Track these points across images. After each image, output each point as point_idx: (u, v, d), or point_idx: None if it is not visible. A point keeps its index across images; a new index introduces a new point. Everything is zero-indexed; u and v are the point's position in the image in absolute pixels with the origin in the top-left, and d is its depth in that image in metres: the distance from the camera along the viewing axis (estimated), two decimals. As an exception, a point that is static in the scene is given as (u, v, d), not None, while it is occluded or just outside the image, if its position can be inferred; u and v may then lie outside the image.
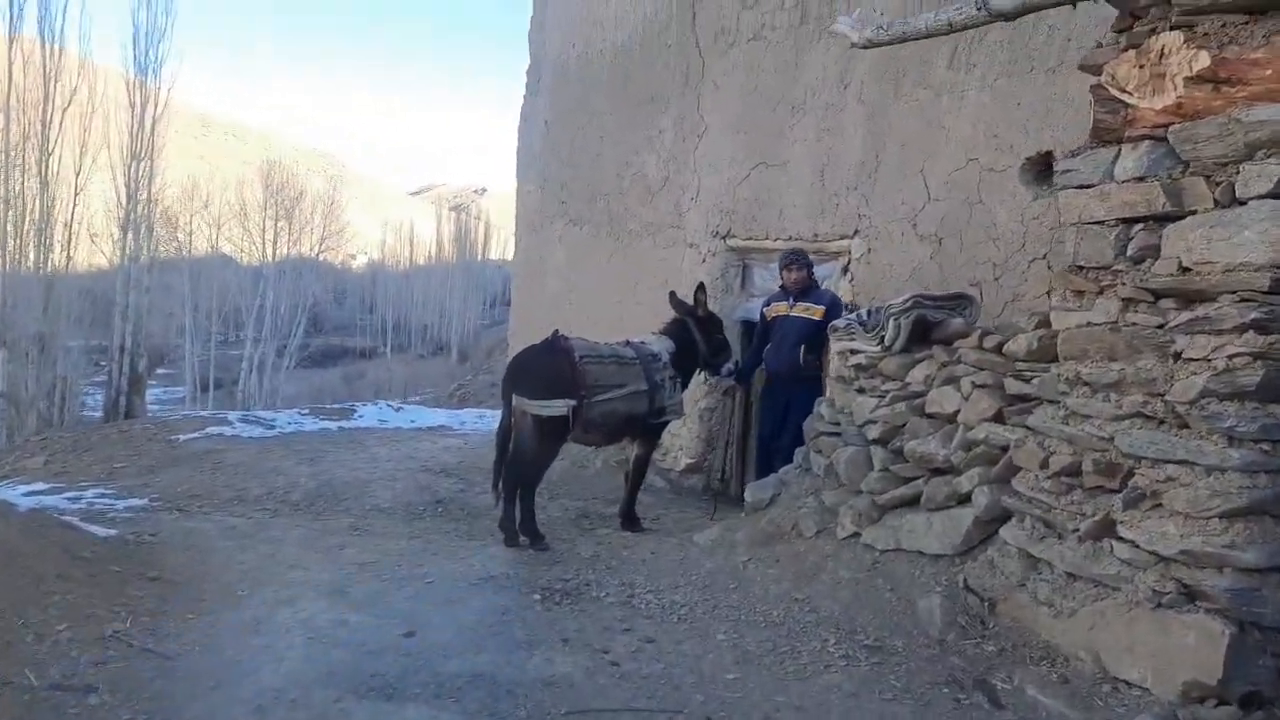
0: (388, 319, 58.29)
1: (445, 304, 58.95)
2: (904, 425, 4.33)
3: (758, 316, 6.44)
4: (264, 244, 42.46)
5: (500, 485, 5.16)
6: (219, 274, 40.09)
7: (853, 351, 4.74)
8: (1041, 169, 5.87)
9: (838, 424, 4.79)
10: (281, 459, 7.60)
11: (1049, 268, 5.47)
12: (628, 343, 5.62)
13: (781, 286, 5.94)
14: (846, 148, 6.31)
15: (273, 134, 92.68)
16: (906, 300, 4.40)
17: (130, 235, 19.78)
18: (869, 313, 4.77)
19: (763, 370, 6.19)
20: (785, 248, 6.66)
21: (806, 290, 5.87)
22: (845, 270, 6.37)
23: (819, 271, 6.64)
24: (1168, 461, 3.14)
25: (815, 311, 5.76)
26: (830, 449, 4.75)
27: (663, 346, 5.65)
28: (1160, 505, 3.16)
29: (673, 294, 6.12)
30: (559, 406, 5.02)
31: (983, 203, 5.71)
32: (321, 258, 50.77)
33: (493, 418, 11.14)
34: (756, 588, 4.23)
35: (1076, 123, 5.31)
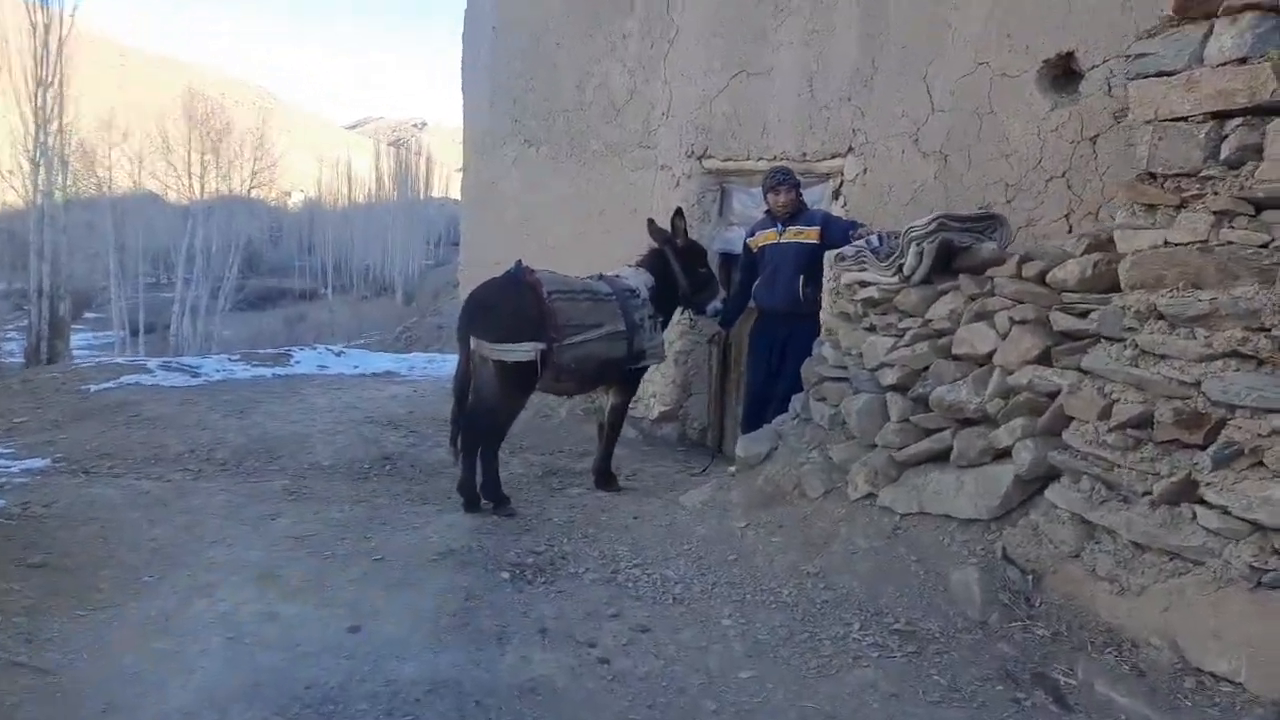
0: (327, 260, 56.33)
1: (388, 243, 57.17)
2: (926, 369, 3.75)
3: (740, 248, 5.78)
4: (190, 180, 40.28)
5: (458, 442, 4.48)
6: (145, 212, 37.98)
7: (862, 284, 4.13)
8: (1061, 74, 5.27)
9: (843, 367, 4.20)
10: (207, 411, 6.80)
11: (1068, 187, 4.92)
12: (601, 277, 4.93)
13: (767, 212, 5.26)
14: (839, 52, 5.61)
15: (196, 65, 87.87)
16: (930, 222, 3.78)
17: (42, 169, 18.28)
18: (881, 238, 4.15)
19: (750, 309, 5.55)
20: (770, 168, 5.99)
21: (796, 213, 5.20)
22: (836, 194, 5.73)
23: (806, 196, 5.99)
24: (1272, 411, 2.60)
25: (809, 234, 5.08)
26: (837, 396, 4.16)
27: (640, 281, 4.97)
28: (1261, 464, 2.63)
29: (651, 221, 5.42)
30: (525, 350, 4.34)
31: (994, 113, 5.10)
32: (254, 195, 48.52)
33: (444, 362, 10.41)
34: (759, 559, 3.66)
35: (1103, 18, 4.70)
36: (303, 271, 57.80)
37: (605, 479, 5.03)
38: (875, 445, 3.86)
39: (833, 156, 5.73)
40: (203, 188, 40.07)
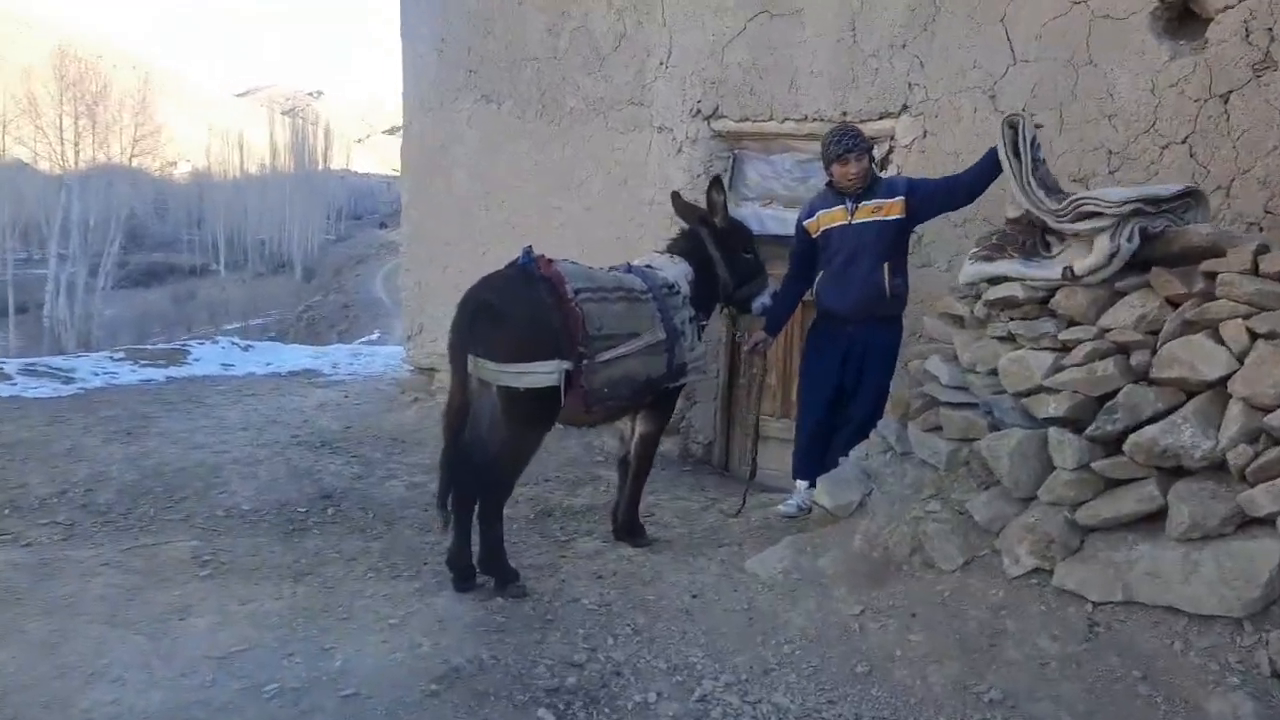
0: (219, 234, 53.06)
1: (285, 217, 54.15)
2: (1108, 396, 2.74)
3: (757, 228, 4.68)
4: (63, 146, 36.75)
5: (449, 499, 3.27)
6: (12, 182, 34.48)
7: (993, 280, 3.10)
8: (1180, 16, 4.36)
9: (962, 388, 3.18)
10: (84, 433, 5.33)
11: (1191, 156, 4.01)
12: (629, 268, 3.75)
13: (829, 184, 4.10)
14: (895, -12, 4.56)
15: (69, 27, 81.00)
16: (1126, 202, 2.76)
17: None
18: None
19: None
20: (810, 129, 4.91)
21: (871, 186, 3.95)
22: (883, 162, 4.69)
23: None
24: None
25: (891, 209, 3.87)
26: (958, 427, 3.14)
27: (679, 273, 3.81)
28: None
29: (677, 195, 4.27)
30: (545, 373, 3.17)
31: (1094, 64, 4.15)
32: (135, 164, 44.85)
33: (371, 357, 9.02)
34: (903, 672, 2.60)
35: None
36: (192, 246, 54.39)
37: (632, 531, 3.90)
38: (1036, 499, 2.85)
39: (881, 117, 4.70)
40: (77, 155, 36.67)
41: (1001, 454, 2.89)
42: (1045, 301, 2.98)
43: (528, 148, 5.89)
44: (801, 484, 4.10)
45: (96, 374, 7.13)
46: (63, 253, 31.25)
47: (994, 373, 3.07)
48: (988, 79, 4.39)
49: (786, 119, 4.98)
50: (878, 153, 4.67)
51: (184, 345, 8.47)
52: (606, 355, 3.33)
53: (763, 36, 4.97)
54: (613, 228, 5.59)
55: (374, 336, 33.45)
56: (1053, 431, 2.84)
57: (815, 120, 4.88)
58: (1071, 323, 2.90)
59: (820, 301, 4.07)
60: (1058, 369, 2.85)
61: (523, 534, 3.97)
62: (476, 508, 3.27)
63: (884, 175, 4.23)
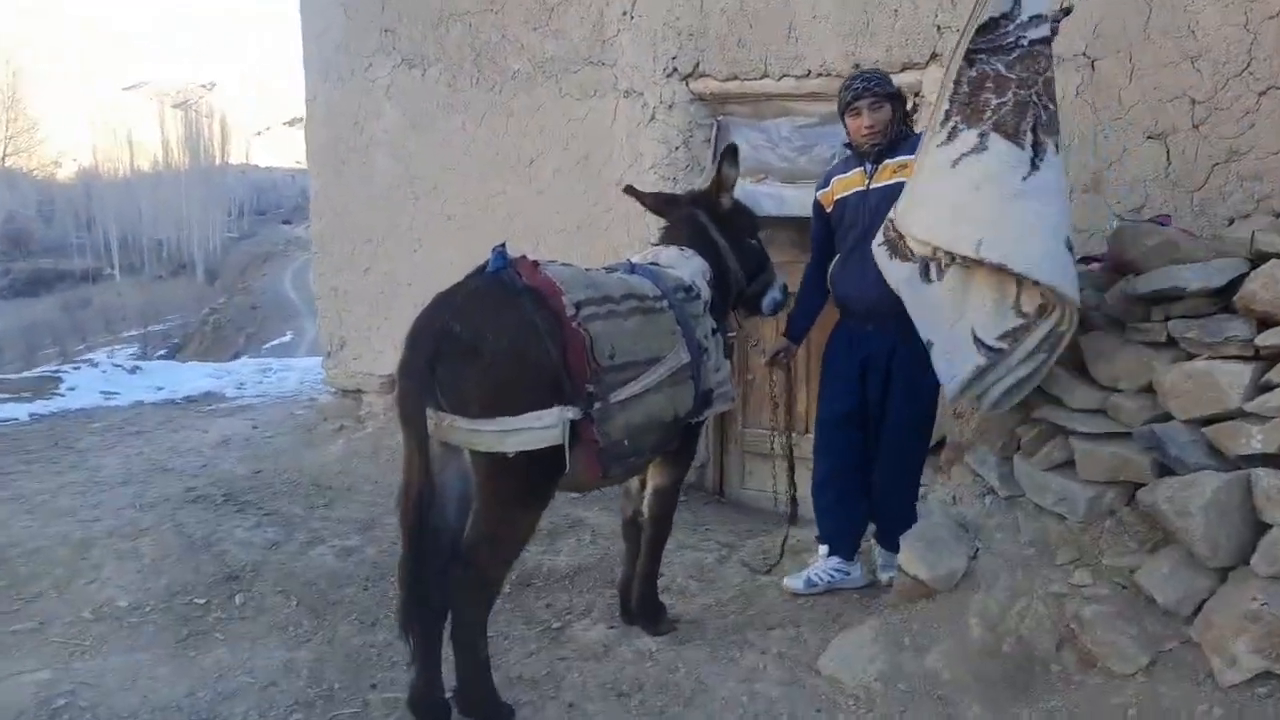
0: (111, 236, 49.80)
1: (182, 216, 51.18)
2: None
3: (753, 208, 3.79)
4: (-75, 147, 33.60)
5: (410, 612, 2.28)
6: None
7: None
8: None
9: (1099, 410, 2.37)
10: (-90, 499, 4.14)
11: (1300, 103, 3.29)
12: (632, 266, 2.79)
13: (847, 145, 3.25)
14: (921, -92, 3.72)
15: (-74, 12, 74.71)
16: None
17: None
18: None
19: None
20: (813, 87, 4.05)
21: (896, 141, 3.06)
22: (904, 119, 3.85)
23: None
24: None
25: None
26: (1110, 467, 2.32)
27: (694, 270, 2.88)
28: None
29: (632, 188, 3.32)
30: (543, 427, 2.23)
31: (1171, -5, 3.39)
32: (9, 163, 41.56)
33: (283, 373, 7.83)
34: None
35: None
36: (83, 250, 51.10)
37: (650, 614, 2.99)
38: (1248, 569, 2.05)
39: (904, 69, 3.86)
40: (-59, 156, 33.57)
41: (1191, 508, 2.08)
42: (1223, 292, 2.18)
43: (462, 121, 4.88)
44: (822, 550, 3.26)
45: (-60, 415, 5.83)
46: (-69, 264, 28.50)
47: (1147, 390, 2.26)
48: (1037, 16, 3.58)
49: (784, 76, 4.10)
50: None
51: (56, 372, 7.15)
52: (623, 393, 2.39)
53: (752, -26, 4.08)
54: (572, 214, 4.64)
55: (286, 338, 31.63)
56: (1262, 475, 2.04)
57: (820, 76, 4.02)
58: (1266, 321, 2.10)
59: (834, 293, 3.21)
60: (1264, 388, 2.05)
61: (500, 617, 3.02)
62: (448, 625, 2.31)
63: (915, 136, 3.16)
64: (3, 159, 39.14)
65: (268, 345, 30.82)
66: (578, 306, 2.31)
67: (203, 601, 3.28)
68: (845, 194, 3.18)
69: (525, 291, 2.29)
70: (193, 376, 7.65)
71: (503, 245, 2.41)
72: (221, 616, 3.19)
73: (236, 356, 30.75)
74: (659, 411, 2.54)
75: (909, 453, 3.01)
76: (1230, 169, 3.39)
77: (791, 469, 3.45)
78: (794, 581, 3.21)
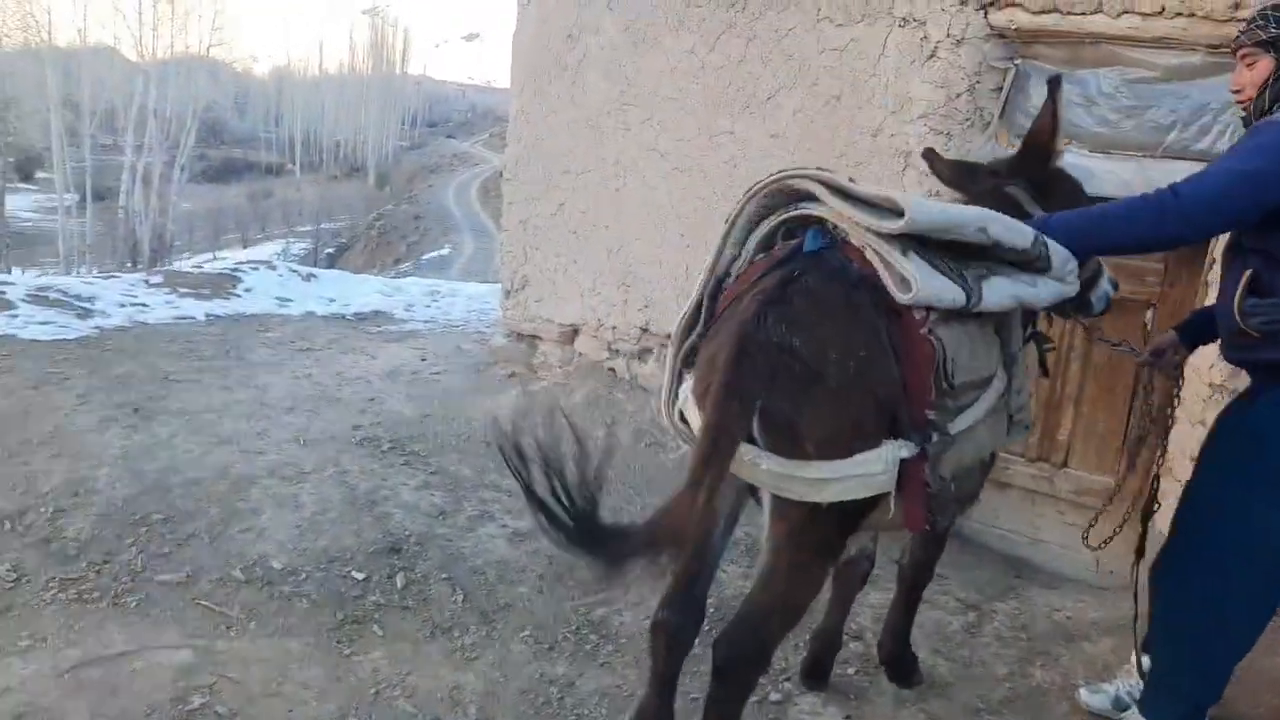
0: (295, 133, 52.34)
1: (361, 120, 53.10)
2: None
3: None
4: (142, 31, 35.69)
5: (666, 665, 1.89)
6: (96, 68, 33.65)
7: None
8: None
9: None
10: (78, 404, 3.94)
11: None
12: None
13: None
14: None
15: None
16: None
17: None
18: None
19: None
20: (1164, 29, 3.12)
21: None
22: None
23: (1206, 94, 3.14)
24: None
25: None
26: None
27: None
28: None
29: (933, 153, 2.51)
30: (873, 472, 1.67)
31: None
32: (214, 56, 43.88)
33: (451, 299, 7.49)
34: None
35: None
36: (269, 144, 54.06)
37: (903, 665, 2.57)
38: None
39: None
40: (155, 41, 35.61)
41: None
42: None
43: (693, 43, 4.17)
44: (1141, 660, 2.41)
45: (122, 304, 5.76)
46: (137, 143, 30.51)
47: None
48: None
49: (1126, 11, 3.17)
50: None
51: (234, 271, 7.05)
52: (962, 421, 1.83)
53: (1102, -124, 3.14)
54: (808, 160, 3.88)
55: (444, 251, 32.28)
56: None
57: (1182, 15, 3.07)
58: None
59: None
60: None
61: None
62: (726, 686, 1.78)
63: None
64: (207, 49, 41.22)
65: (427, 256, 31.58)
66: (927, 305, 1.69)
67: (362, 577, 2.86)
68: None
69: (863, 285, 1.70)
70: (363, 291, 7.43)
71: (819, 226, 1.76)
72: (381, 601, 2.75)
73: (398, 263, 31.74)
74: (983, 447, 1.98)
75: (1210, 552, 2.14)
76: None
77: (1149, 515, 2.50)
78: (1095, 697, 2.47)
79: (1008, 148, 3.48)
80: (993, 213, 1.86)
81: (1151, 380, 2.48)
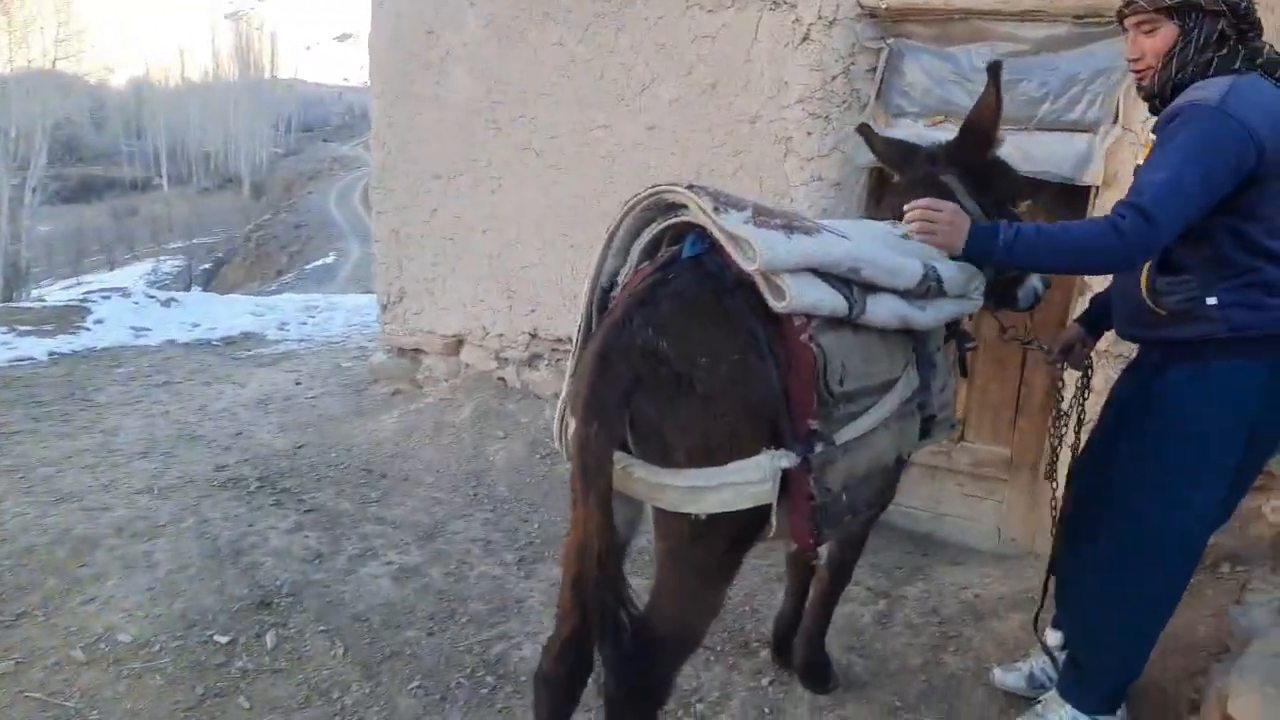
0: (160, 146, 49.61)
1: (230, 128, 50.70)
2: None
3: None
4: (-25, 45, 33.11)
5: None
6: (-76, 86, 30.87)
7: None
8: None
9: None
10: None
11: None
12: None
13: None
14: None
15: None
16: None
17: None
18: None
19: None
20: (1031, 2, 3.08)
21: (1178, 88, 1.84)
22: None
23: (1074, 65, 3.14)
24: None
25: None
26: None
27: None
28: None
29: (867, 128, 2.40)
30: (750, 481, 1.59)
31: None
32: (61, 69, 41.10)
33: (330, 313, 7.10)
34: None
35: None
36: (132, 159, 51.08)
37: (817, 671, 2.47)
38: None
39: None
40: (-9, 56, 33.05)
41: None
42: None
43: (559, 35, 3.97)
44: (1054, 639, 2.37)
45: (-51, 349, 5.19)
46: (-20, 165, 28.13)
47: None
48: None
49: (994, -13, 3.14)
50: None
51: (83, 302, 6.47)
52: (851, 430, 1.72)
53: None
54: (690, 157, 3.75)
55: (329, 259, 31.07)
56: None
57: (1049, -9, 3.05)
58: None
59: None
60: None
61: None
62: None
63: (1230, 74, 1.81)
64: (53, 62, 38.58)
65: (311, 265, 30.33)
66: (808, 316, 1.60)
67: (226, 640, 2.56)
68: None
69: (740, 289, 1.60)
70: (232, 312, 6.95)
71: (696, 233, 1.64)
72: (249, 666, 2.47)
73: (280, 274, 30.35)
74: (883, 454, 1.86)
75: (1115, 571, 2.07)
76: None
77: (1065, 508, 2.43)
78: (1009, 676, 2.41)
79: (885, 128, 3.43)
80: (870, 252, 1.73)
81: (1062, 376, 2.41)
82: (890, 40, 3.45)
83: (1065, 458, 2.39)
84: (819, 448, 1.64)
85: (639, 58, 3.79)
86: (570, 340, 4.21)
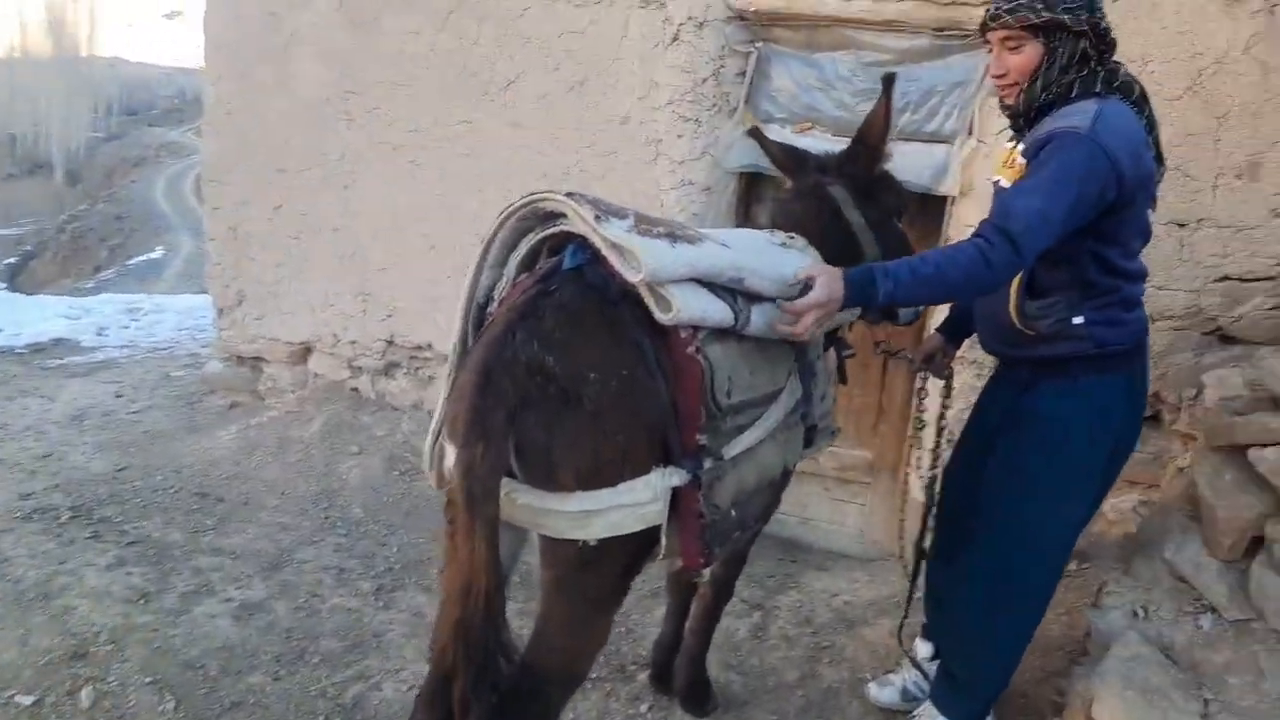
0: (-44, 125, 44.67)
1: (41, 110, 46.27)
2: None
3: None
4: None
5: None
6: None
7: None
8: None
9: None
10: None
11: None
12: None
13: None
14: None
15: None
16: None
17: None
18: None
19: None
20: (896, 11, 3.13)
21: (1047, 107, 1.83)
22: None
23: (933, 76, 3.21)
24: None
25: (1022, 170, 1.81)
26: None
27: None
28: None
29: (758, 131, 2.34)
30: (641, 502, 1.50)
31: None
32: None
33: (157, 315, 6.50)
34: None
35: None
36: (-77, 140, 45.73)
37: (698, 693, 2.41)
38: None
39: None
40: None
41: None
42: None
43: (419, 24, 3.73)
44: (924, 651, 2.42)
45: None
46: None
47: None
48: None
49: (859, -5, 3.16)
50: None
51: None
52: (740, 444, 1.66)
53: None
54: (559, 157, 3.62)
55: (156, 254, 28.78)
56: None
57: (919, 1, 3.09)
58: None
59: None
60: None
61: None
62: None
63: (1084, 101, 1.80)
64: None
65: (134, 261, 27.95)
66: (695, 327, 1.54)
67: (30, 701, 2.22)
68: (994, 178, 2.03)
69: (624, 301, 1.51)
70: (40, 315, 6.23)
71: (575, 244, 1.52)
72: (60, 735, 2.14)
73: (98, 270, 27.86)
74: (770, 467, 1.80)
75: (999, 582, 2.12)
76: None
77: (927, 513, 2.37)
78: (884, 692, 2.41)
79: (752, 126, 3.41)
80: (752, 261, 1.67)
81: (925, 384, 2.44)
82: (759, 44, 3.43)
83: (928, 464, 2.43)
84: (708, 463, 1.58)
85: (503, 51, 3.61)
86: (431, 347, 4.02)
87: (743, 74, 3.45)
